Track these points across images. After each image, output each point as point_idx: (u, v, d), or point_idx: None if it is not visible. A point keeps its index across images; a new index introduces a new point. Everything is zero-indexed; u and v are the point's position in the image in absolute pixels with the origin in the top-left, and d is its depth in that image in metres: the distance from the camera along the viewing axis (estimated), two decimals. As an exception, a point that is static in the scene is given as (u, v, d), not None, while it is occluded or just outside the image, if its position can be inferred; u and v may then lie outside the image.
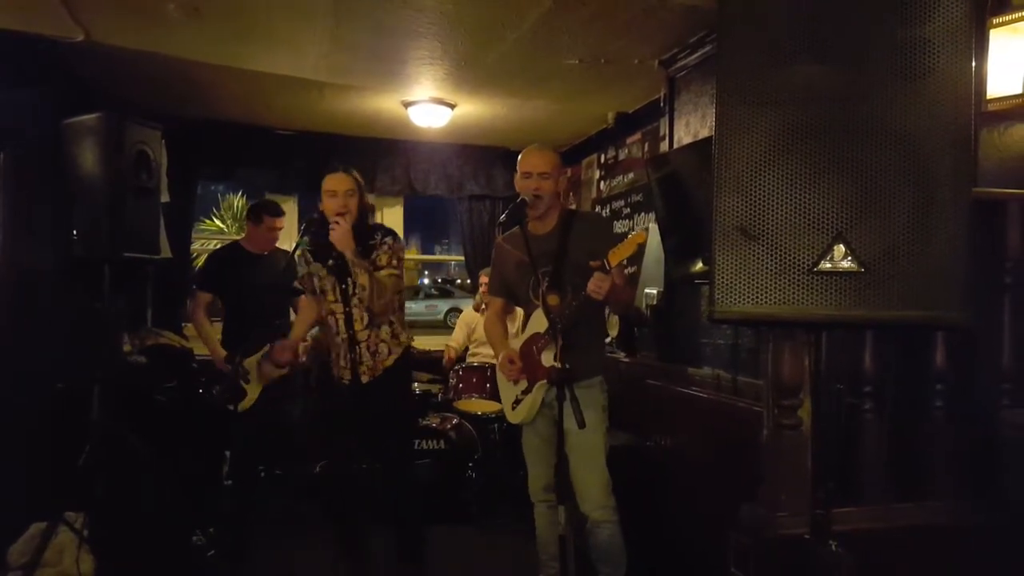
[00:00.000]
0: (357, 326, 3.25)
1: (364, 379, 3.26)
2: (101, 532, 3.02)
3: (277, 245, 4.37)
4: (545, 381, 2.86)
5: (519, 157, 2.97)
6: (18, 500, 3.33)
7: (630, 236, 2.63)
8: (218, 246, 5.84)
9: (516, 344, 3.05)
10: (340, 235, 3.08)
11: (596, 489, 2.84)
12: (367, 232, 3.26)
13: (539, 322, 2.92)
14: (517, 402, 3.00)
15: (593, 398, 2.86)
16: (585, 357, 2.80)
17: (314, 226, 3.25)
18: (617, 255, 2.61)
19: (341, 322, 3.25)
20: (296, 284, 3.51)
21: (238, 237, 4.54)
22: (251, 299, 4.02)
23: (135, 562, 3.16)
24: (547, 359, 2.86)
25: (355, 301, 3.22)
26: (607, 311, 3.26)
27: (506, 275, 3.11)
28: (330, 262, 3.23)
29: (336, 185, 3.19)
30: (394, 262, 3.25)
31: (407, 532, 3.43)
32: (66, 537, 3.07)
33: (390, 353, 3.32)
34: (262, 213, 4.21)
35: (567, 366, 2.52)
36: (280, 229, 4.29)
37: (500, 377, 3.12)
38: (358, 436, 3.34)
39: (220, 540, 3.80)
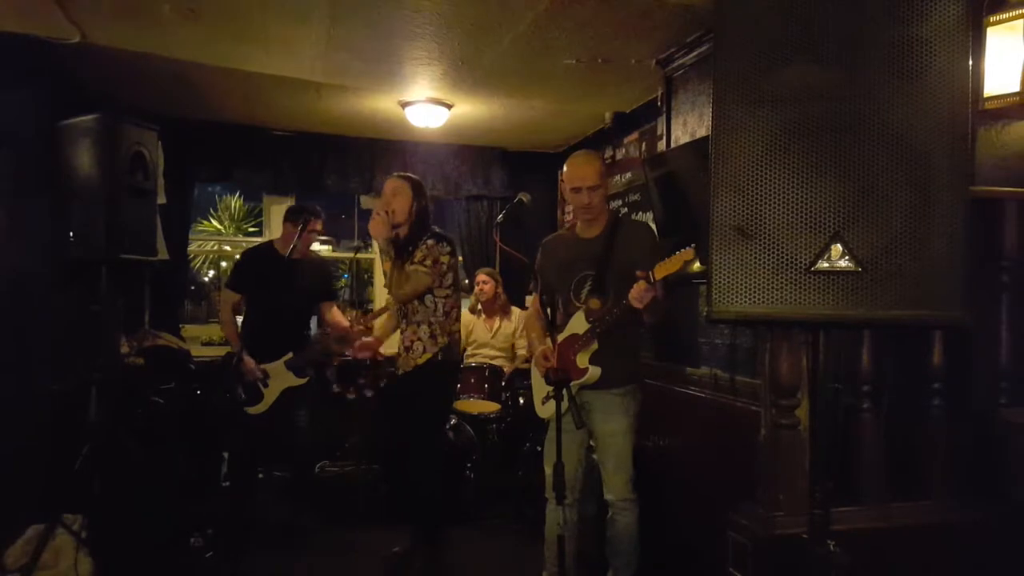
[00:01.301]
0: (398, 318, 3.62)
1: (399, 372, 3.59)
2: (99, 534, 3.01)
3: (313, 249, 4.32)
4: (577, 381, 2.89)
5: (565, 168, 3.00)
6: (16, 502, 3.32)
7: (679, 253, 2.63)
8: (212, 250, 5.85)
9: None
10: (373, 224, 3.46)
11: (621, 483, 2.93)
12: (419, 233, 3.52)
13: (579, 324, 2.94)
14: (548, 398, 3.02)
15: (624, 405, 2.93)
16: (619, 363, 2.88)
17: None
18: (664, 269, 2.63)
19: (399, 315, 3.64)
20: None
21: (235, 238, 4.54)
22: (279, 304, 3.96)
23: (133, 564, 3.15)
24: (582, 361, 2.89)
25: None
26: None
27: (549, 274, 3.13)
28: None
29: (384, 187, 3.62)
30: (427, 261, 3.46)
31: (421, 523, 3.60)
32: (64, 539, 3.06)
33: (424, 351, 3.51)
34: (308, 216, 4.07)
35: (560, 368, 2.55)
36: (317, 232, 4.17)
37: (534, 372, 3.16)
38: (387, 423, 3.67)
39: (218, 542, 3.80)
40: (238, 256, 4.74)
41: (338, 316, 4.25)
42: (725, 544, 2.28)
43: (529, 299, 5.55)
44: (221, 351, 4.91)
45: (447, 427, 4.59)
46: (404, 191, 3.51)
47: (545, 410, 3.06)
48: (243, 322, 4.17)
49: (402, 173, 3.65)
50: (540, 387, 3.11)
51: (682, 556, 3.24)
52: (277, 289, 3.91)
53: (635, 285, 2.66)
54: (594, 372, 2.87)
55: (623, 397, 2.93)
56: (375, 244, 3.65)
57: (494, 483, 4.52)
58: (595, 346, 2.77)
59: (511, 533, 4.07)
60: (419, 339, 3.50)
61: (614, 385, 2.88)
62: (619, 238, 2.95)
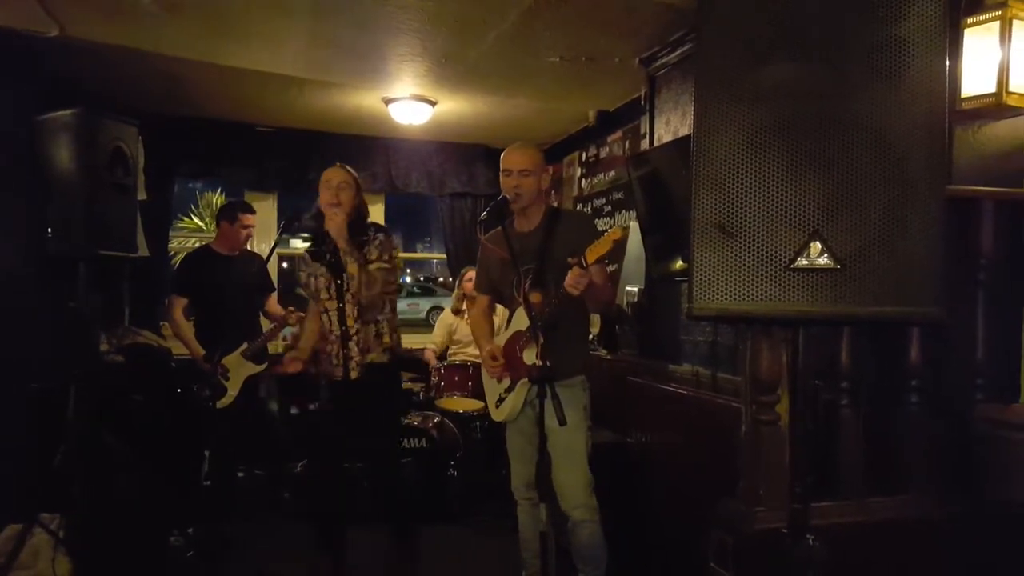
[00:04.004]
0: (349, 322, 3.33)
1: (353, 375, 3.33)
2: (78, 533, 2.98)
3: (249, 246, 4.57)
4: (527, 379, 2.86)
5: (502, 155, 2.97)
6: (-7, 502, 3.29)
7: (607, 234, 2.63)
8: (193, 247, 5.87)
9: (500, 342, 3.05)
10: (335, 224, 3.20)
11: (577, 488, 2.84)
12: (362, 228, 3.34)
13: (522, 320, 2.92)
14: (500, 400, 3.00)
15: (575, 397, 2.86)
16: (566, 356, 2.80)
17: (313, 218, 3.42)
18: (594, 252, 2.61)
19: (335, 319, 3.35)
20: (299, 291, 3.61)
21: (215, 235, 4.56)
22: (224, 301, 4.15)
23: (112, 564, 3.12)
24: (529, 357, 2.86)
25: (348, 296, 3.32)
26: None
27: (491, 273, 3.12)
28: (327, 258, 3.34)
29: (330, 176, 3.31)
30: (385, 257, 3.32)
31: (399, 520, 3.50)
32: (41, 539, 3.03)
33: (372, 351, 3.37)
34: (237, 211, 4.36)
35: (548, 364, 2.52)
36: (253, 227, 4.43)
37: (485, 375, 3.11)
38: (346, 432, 3.40)
39: (199, 540, 3.78)
40: (179, 262, 5.07)
41: (276, 306, 4.57)
42: (707, 540, 2.30)
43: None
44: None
45: (430, 425, 4.59)
46: (350, 184, 3.32)
47: (500, 412, 3.02)
48: (195, 323, 4.34)
49: (343, 164, 3.42)
50: (492, 390, 3.07)
51: (665, 552, 3.26)
52: (222, 286, 4.17)
53: (569, 272, 2.64)
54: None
55: (573, 389, 2.87)
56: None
57: (478, 481, 4.52)
58: (540, 340, 2.64)
59: (495, 531, 4.07)
60: (371, 338, 3.37)
61: (562, 377, 2.73)
62: (557, 229, 2.92)
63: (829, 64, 1.50)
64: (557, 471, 2.81)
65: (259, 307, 4.55)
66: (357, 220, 3.32)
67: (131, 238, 3.10)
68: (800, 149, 1.50)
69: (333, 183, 3.27)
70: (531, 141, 3.16)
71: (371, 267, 3.27)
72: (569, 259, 2.65)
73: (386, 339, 3.40)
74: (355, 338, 3.34)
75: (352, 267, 3.23)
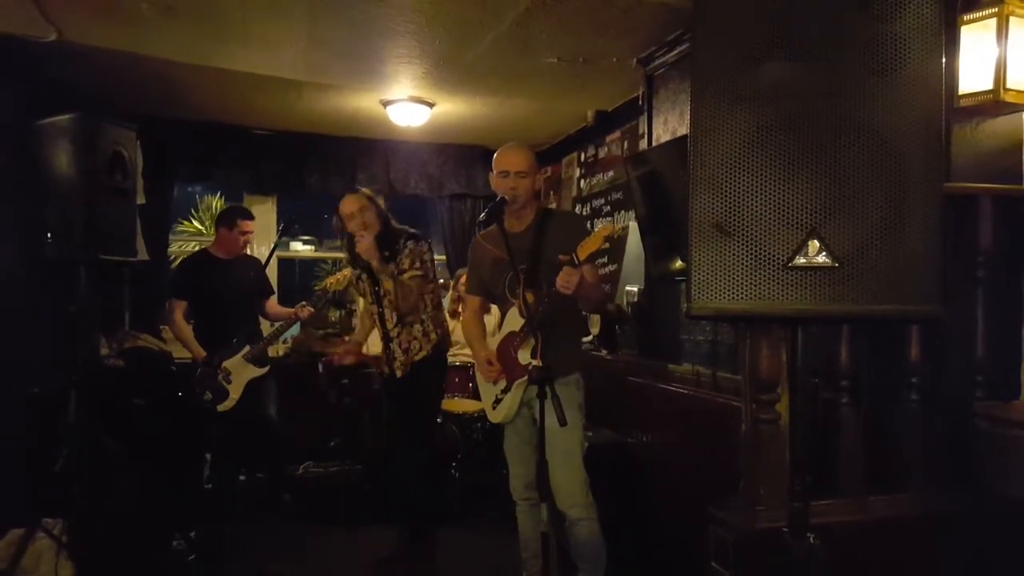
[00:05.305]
0: (388, 325, 3.57)
1: (398, 373, 3.60)
2: (80, 538, 2.98)
3: (248, 249, 4.58)
4: (525, 379, 2.85)
5: (494, 156, 2.97)
6: (-5, 506, 3.29)
7: (597, 229, 2.64)
8: (193, 250, 5.88)
9: (492, 343, 3.05)
10: (365, 248, 3.42)
11: (573, 487, 2.83)
12: (392, 238, 3.54)
13: (514, 320, 2.92)
14: (497, 402, 3.00)
15: (570, 396, 2.85)
16: (561, 354, 2.79)
17: (347, 243, 3.63)
18: (585, 248, 2.61)
19: (378, 321, 3.62)
20: (351, 288, 3.98)
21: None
22: (223, 304, 4.20)
23: (115, 567, 3.13)
24: (524, 357, 2.85)
25: (386, 302, 3.53)
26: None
27: (483, 273, 3.11)
28: (365, 265, 3.53)
29: (347, 208, 3.52)
30: (417, 264, 3.52)
31: (412, 519, 3.66)
32: (44, 543, 3.03)
33: (421, 349, 3.60)
34: (236, 217, 4.38)
35: (545, 364, 2.52)
36: (251, 233, 4.45)
37: (480, 377, 3.11)
38: (391, 424, 3.68)
39: (200, 544, 3.78)
40: (176, 266, 5.14)
41: (277, 307, 4.62)
42: (707, 539, 2.30)
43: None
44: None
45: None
46: (367, 205, 3.53)
47: (497, 414, 3.01)
48: (194, 327, 4.35)
49: (354, 189, 3.71)
50: (488, 391, 3.06)
51: (665, 551, 3.26)
52: (220, 291, 4.21)
53: (562, 270, 2.63)
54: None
55: (568, 388, 2.84)
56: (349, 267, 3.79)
57: (479, 482, 4.52)
58: (533, 341, 2.64)
59: (496, 532, 4.07)
60: (415, 338, 3.60)
61: (559, 376, 2.68)
62: (549, 229, 2.92)
63: (825, 62, 1.50)
64: (553, 470, 2.80)
65: (258, 310, 4.54)
66: (385, 232, 3.51)
67: (130, 242, 3.11)
68: (797, 148, 1.50)
69: (355, 212, 3.48)
70: (530, 141, 3.17)
71: (404, 277, 3.46)
72: (560, 257, 2.65)
73: (433, 335, 3.63)
74: (396, 340, 3.58)
75: (387, 283, 3.43)
